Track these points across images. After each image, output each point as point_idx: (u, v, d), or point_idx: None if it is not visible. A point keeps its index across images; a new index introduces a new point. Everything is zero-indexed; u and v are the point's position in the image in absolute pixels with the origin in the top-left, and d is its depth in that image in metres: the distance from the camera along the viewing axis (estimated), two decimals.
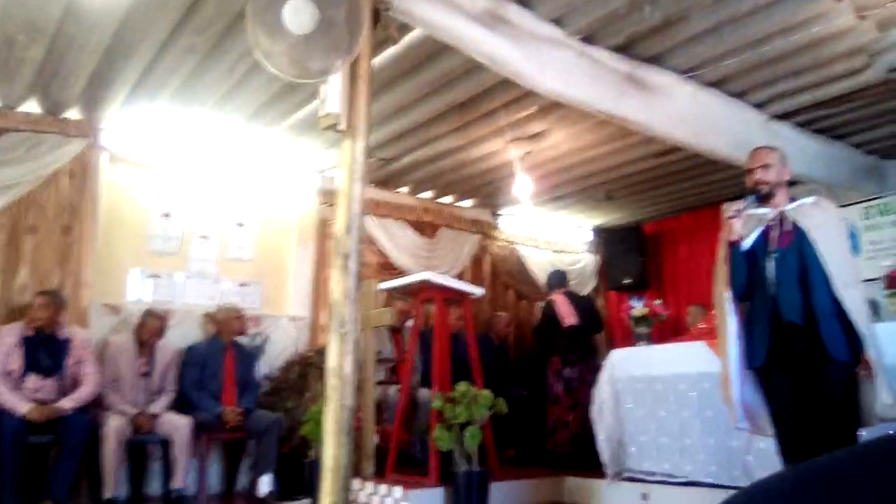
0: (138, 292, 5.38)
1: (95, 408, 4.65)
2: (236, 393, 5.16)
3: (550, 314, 6.61)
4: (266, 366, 5.70)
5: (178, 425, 4.73)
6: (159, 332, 5.02)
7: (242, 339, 5.49)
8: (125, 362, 4.85)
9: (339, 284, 2.83)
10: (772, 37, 4.01)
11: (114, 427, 4.45)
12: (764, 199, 3.15)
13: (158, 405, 4.85)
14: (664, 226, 8.31)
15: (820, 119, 5.26)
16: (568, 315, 6.44)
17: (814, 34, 3.98)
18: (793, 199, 3.17)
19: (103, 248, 5.15)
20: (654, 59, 4.29)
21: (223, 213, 5.87)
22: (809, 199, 3.17)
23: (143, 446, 4.91)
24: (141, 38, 3.86)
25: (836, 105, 4.96)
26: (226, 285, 5.81)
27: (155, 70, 4.27)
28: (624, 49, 4.16)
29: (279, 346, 5.89)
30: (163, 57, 4.11)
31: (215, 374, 5.15)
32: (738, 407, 3.10)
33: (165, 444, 4.74)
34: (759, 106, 4.96)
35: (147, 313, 5.02)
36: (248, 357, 5.43)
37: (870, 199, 6.47)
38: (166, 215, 5.59)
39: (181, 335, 5.40)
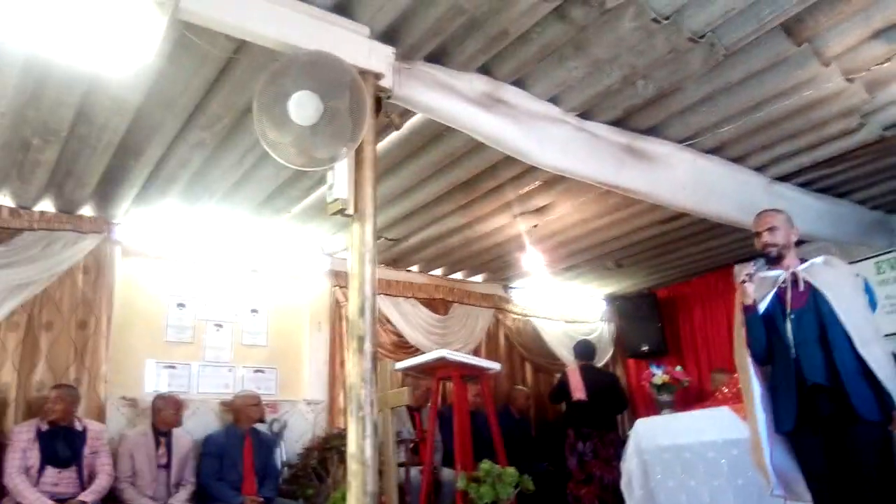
0: (155, 383, 5.39)
1: (112, 503, 4.60)
2: (256, 481, 5.08)
3: (563, 385, 6.60)
4: (285, 452, 5.63)
5: None
6: (177, 417, 5.00)
7: (260, 426, 5.45)
8: (143, 454, 4.81)
9: (355, 367, 2.84)
10: (765, 102, 4.11)
11: None
12: (774, 261, 3.18)
13: (178, 498, 4.79)
14: (677, 291, 8.29)
15: (821, 178, 5.32)
16: (577, 389, 6.41)
17: (806, 98, 4.07)
18: (803, 260, 3.20)
19: (119, 340, 5.19)
20: (652, 130, 4.40)
21: (236, 300, 5.93)
22: (820, 259, 3.20)
23: None
24: (150, 136, 4.00)
25: (836, 164, 5.02)
26: (241, 372, 5.81)
27: (165, 165, 4.40)
28: (621, 122, 4.27)
29: (297, 431, 5.84)
30: (172, 153, 4.24)
31: (234, 463, 5.09)
32: (771, 473, 3.04)
33: None
34: (759, 169, 5.04)
35: (158, 398, 5.01)
36: (267, 444, 5.38)
37: (880, 254, 6.45)
38: (180, 305, 5.66)
39: (199, 425, 5.37)
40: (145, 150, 4.17)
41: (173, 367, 5.53)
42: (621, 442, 6.26)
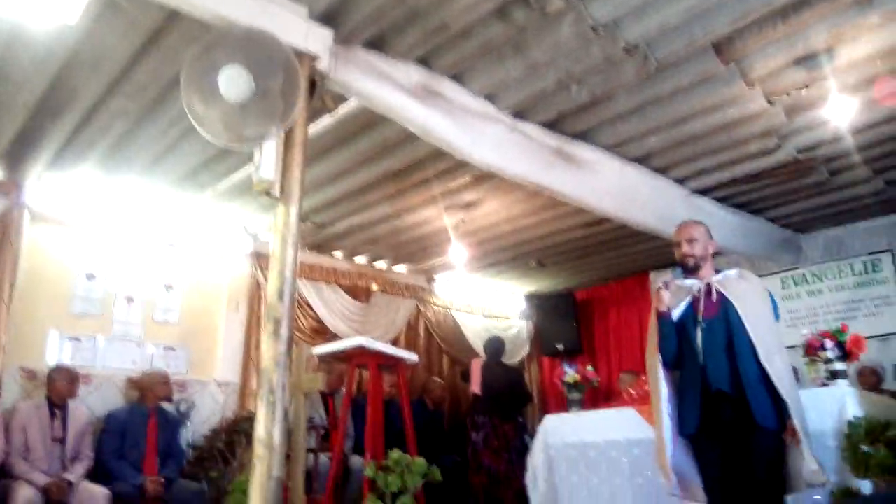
0: (57, 356, 5.15)
1: (4, 478, 4.38)
2: (158, 462, 4.94)
3: (466, 377, 6.84)
4: (191, 433, 5.49)
5: (94, 495, 4.46)
6: (71, 388, 4.79)
7: (167, 406, 5.29)
8: (36, 427, 4.58)
9: (269, 350, 2.79)
10: (691, 117, 4.26)
11: (23, 497, 4.17)
12: (691, 271, 3.29)
13: (74, 473, 4.58)
14: (595, 293, 8.52)
15: (737, 194, 5.55)
16: (475, 383, 6.62)
17: (729, 116, 4.24)
18: (718, 271, 3.32)
19: (21, 309, 4.92)
20: (582, 135, 4.48)
21: (150, 275, 5.72)
22: (734, 272, 3.32)
23: None
24: (70, 99, 3.81)
25: (752, 182, 5.26)
26: (151, 349, 5.63)
27: (84, 131, 4.20)
28: (553, 125, 4.34)
29: (205, 412, 5.70)
30: (93, 119, 4.05)
31: (136, 441, 4.93)
32: (671, 474, 3.15)
33: None
34: (680, 181, 5.21)
35: (54, 370, 4.80)
36: (172, 424, 5.23)
37: (787, 270, 6.81)
38: (90, 276, 5.42)
39: (102, 401, 5.18)
40: (64, 114, 3.97)
41: (78, 340, 5.29)
42: (517, 434, 6.45)
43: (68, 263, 5.35)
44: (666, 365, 3.27)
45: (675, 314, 3.26)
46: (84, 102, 3.85)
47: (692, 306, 3.24)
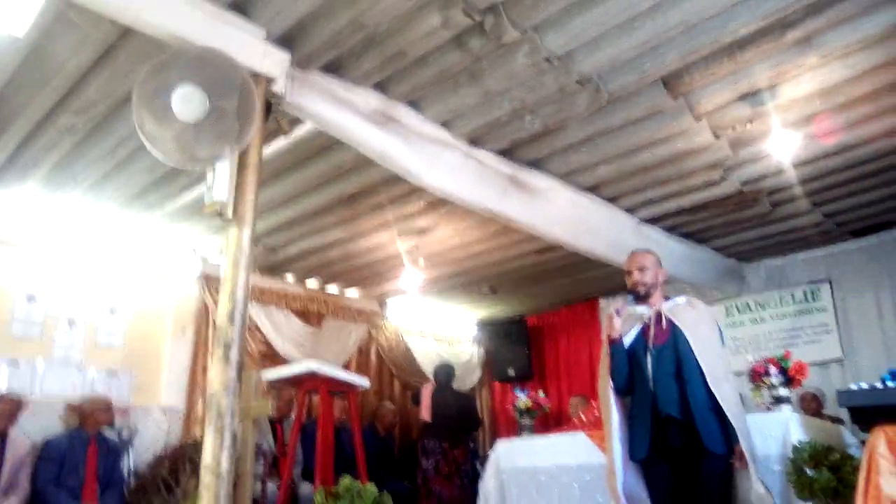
0: None
1: None
2: (98, 490, 4.77)
3: (416, 400, 6.84)
4: (133, 460, 5.30)
5: None
6: (11, 418, 4.59)
7: (108, 432, 5.11)
8: None
9: (218, 375, 2.73)
10: (640, 149, 4.37)
11: None
12: (642, 298, 3.35)
13: None
14: (545, 320, 8.58)
15: (684, 224, 5.69)
16: (424, 409, 6.64)
17: (677, 148, 4.37)
18: (667, 299, 3.40)
19: None
20: (535, 164, 4.55)
21: (94, 297, 5.55)
22: (682, 299, 3.41)
23: None
24: (15, 115, 3.71)
25: (698, 212, 5.41)
26: (92, 374, 5.44)
27: (29, 148, 4.09)
28: (507, 153, 4.40)
29: (149, 438, 5.52)
30: (39, 135, 3.95)
31: (75, 469, 4.76)
32: (622, 498, 3.18)
33: None
34: (630, 210, 5.33)
35: None
36: (113, 451, 5.05)
37: (731, 298, 6.99)
38: (30, 298, 5.23)
39: (39, 427, 4.96)
40: (7, 129, 3.86)
41: (16, 364, 5.09)
42: (468, 460, 6.45)
43: (7, 285, 5.15)
44: (617, 391, 3.32)
45: (626, 341, 3.32)
46: (30, 118, 3.75)
47: (642, 333, 3.30)
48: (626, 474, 3.22)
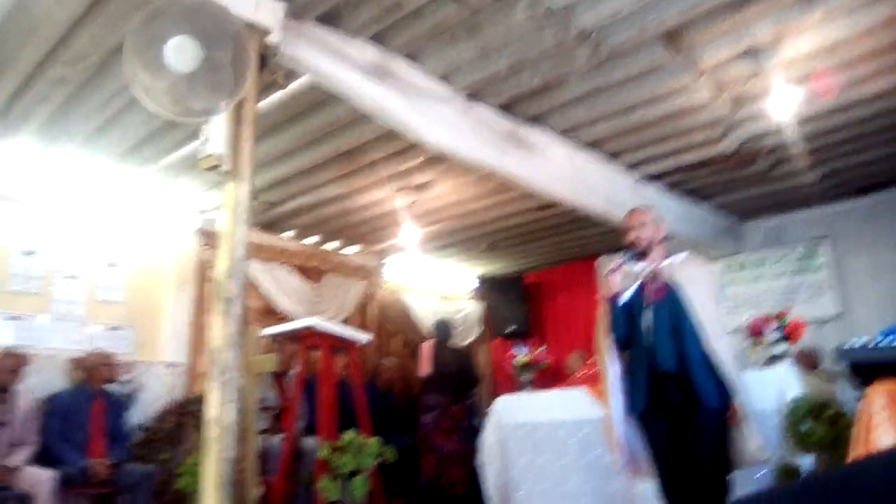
0: None
1: None
2: (105, 444, 4.84)
3: (419, 358, 6.84)
4: (138, 415, 5.38)
5: (40, 479, 4.35)
6: (16, 373, 4.64)
7: (112, 387, 5.18)
8: None
9: (220, 330, 2.75)
10: (640, 105, 4.33)
11: None
12: (641, 255, 3.35)
13: (18, 458, 4.47)
14: (544, 277, 8.62)
15: (684, 182, 5.67)
16: (425, 365, 6.66)
17: (677, 105, 4.33)
18: (667, 256, 3.40)
19: None
20: (534, 120, 4.52)
21: (93, 252, 5.56)
22: (681, 257, 3.39)
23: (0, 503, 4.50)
24: (5, 66, 3.66)
25: (697, 170, 5.38)
26: (94, 329, 5.48)
27: (20, 100, 4.04)
28: (506, 108, 4.36)
29: (153, 393, 5.59)
30: (29, 87, 3.89)
31: (82, 424, 4.82)
32: (621, 451, 3.23)
33: (26, 500, 4.34)
34: (629, 167, 5.31)
35: (2, 353, 4.65)
36: (119, 406, 5.12)
37: (729, 256, 7.00)
38: (28, 253, 5.25)
39: (44, 382, 5.02)
40: None
41: (18, 319, 5.13)
42: (467, 416, 6.54)
43: (5, 239, 5.16)
44: (616, 346, 3.34)
45: (625, 297, 3.33)
46: (20, 69, 3.69)
47: (640, 289, 3.31)
48: (624, 427, 3.26)
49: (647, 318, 3.22)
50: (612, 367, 3.31)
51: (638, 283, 3.33)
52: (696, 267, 3.36)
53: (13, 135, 4.48)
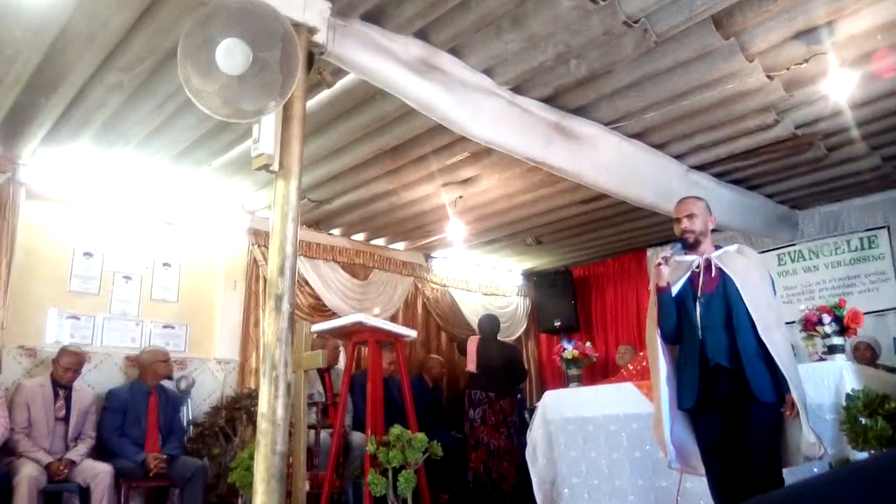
0: (56, 334, 5.16)
1: (8, 455, 4.41)
2: (160, 439, 4.98)
3: (462, 352, 6.89)
4: (192, 411, 5.52)
5: (97, 472, 4.51)
6: (76, 369, 4.79)
7: (167, 383, 5.31)
8: (40, 406, 4.62)
9: (271, 326, 2.79)
10: (690, 92, 4.23)
11: (26, 475, 4.21)
12: (691, 246, 3.28)
13: (76, 452, 4.63)
14: (592, 270, 8.54)
15: (735, 170, 5.54)
16: (470, 361, 6.69)
17: (728, 91, 4.22)
18: (718, 247, 3.33)
19: (19, 287, 4.93)
20: (581, 111, 4.46)
21: (147, 253, 5.72)
22: (733, 248, 3.33)
23: (59, 496, 4.66)
24: (64, 73, 3.77)
25: (749, 158, 5.24)
26: (149, 327, 5.63)
27: (79, 106, 4.16)
28: (551, 100, 4.32)
29: (206, 389, 5.73)
30: (87, 93, 4.01)
31: (138, 419, 4.96)
32: (670, 447, 3.18)
33: (84, 492, 4.50)
34: (678, 157, 5.20)
35: (62, 351, 4.80)
36: (173, 402, 5.26)
37: (783, 247, 6.83)
38: (87, 254, 5.42)
39: (101, 379, 5.20)
40: (58, 88, 3.93)
41: (77, 318, 5.30)
42: (515, 410, 6.51)
43: (65, 241, 5.34)
44: (665, 340, 3.29)
45: (675, 289, 3.27)
46: (79, 76, 3.81)
47: (691, 282, 3.25)
48: (673, 423, 3.21)
49: (697, 311, 3.16)
50: (661, 362, 3.25)
51: (688, 274, 3.27)
52: (748, 257, 3.29)
53: (72, 140, 4.63)
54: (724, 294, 3.14)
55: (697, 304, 3.17)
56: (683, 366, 3.21)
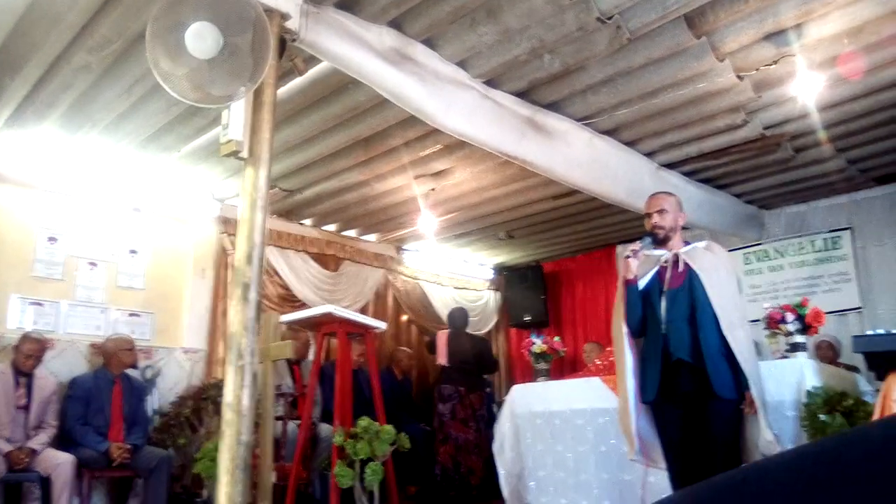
0: (19, 320, 5.05)
1: None
2: (124, 428, 4.91)
3: (433, 345, 6.85)
4: (157, 400, 5.45)
5: (59, 462, 4.43)
6: (37, 357, 4.70)
7: (132, 372, 5.24)
8: (0, 394, 4.53)
9: (238, 315, 2.76)
10: (661, 90, 4.28)
11: None
12: (661, 242, 3.30)
13: (37, 441, 4.54)
14: (562, 266, 8.60)
15: (704, 169, 5.61)
16: (441, 354, 6.68)
17: (699, 90, 4.27)
18: (687, 243, 3.36)
19: None
20: (554, 105, 4.48)
21: (114, 239, 5.62)
22: (702, 244, 3.36)
23: (19, 485, 4.57)
24: (30, 54, 3.68)
25: (718, 157, 5.32)
26: (115, 315, 5.54)
27: (45, 87, 4.07)
28: (525, 94, 4.33)
29: (171, 379, 5.66)
30: (53, 74, 3.93)
31: (101, 408, 4.88)
32: (635, 439, 3.20)
33: (45, 482, 4.42)
34: (649, 154, 5.26)
35: (24, 337, 4.71)
36: (138, 390, 5.18)
37: (749, 246, 6.94)
38: (51, 239, 5.31)
39: (65, 366, 5.10)
40: (23, 69, 3.84)
41: (40, 305, 5.19)
42: (484, 404, 6.54)
43: (29, 226, 5.22)
44: (631, 332, 3.30)
45: (642, 283, 3.29)
46: (45, 57, 3.72)
47: (658, 276, 3.27)
48: (638, 416, 3.24)
49: (662, 305, 3.18)
50: (626, 355, 3.27)
51: (656, 269, 3.29)
52: (716, 254, 3.31)
53: (37, 122, 4.52)
54: (689, 289, 3.16)
55: (663, 298, 3.19)
56: (647, 359, 3.23)
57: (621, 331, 3.28)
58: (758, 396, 3.01)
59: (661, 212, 3.31)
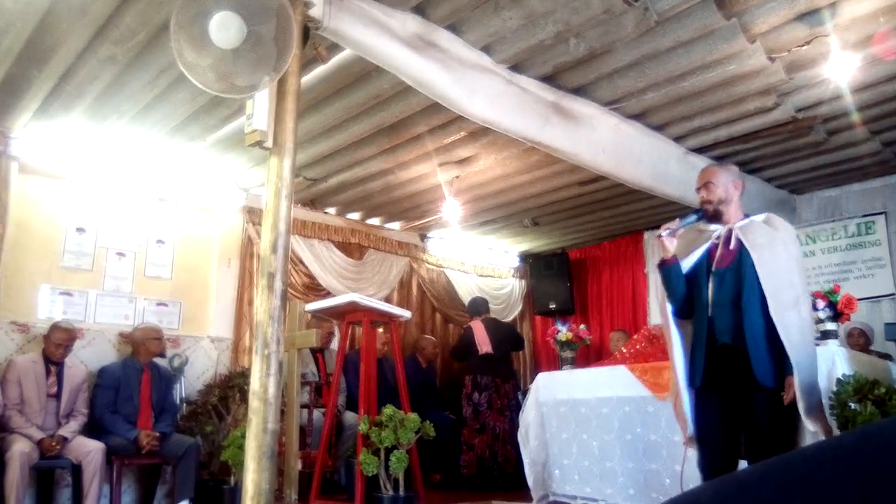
0: (49, 310, 5.13)
1: (0, 431, 4.40)
2: (152, 416, 4.98)
3: (469, 340, 6.78)
4: (185, 388, 5.51)
5: (89, 450, 4.50)
6: (67, 346, 4.77)
7: (160, 361, 5.30)
8: (31, 382, 4.60)
9: (263, 304, 2.77)
10: (690, 73, 4.18)
11: (18, 451, 4.20)
12: (712, 217, 3.10)
13: (68, 429, 4.62)
14: (588, 253, 8.52)
15: (734, 154, 5.50)
16: (483, 343, 6.66)
17: (729, 72, 4.17)
18: (747, 216, 3.11)
19: (11, 263, 4.89)
20: (579, 90, 4.41)
21: (141, 229, 5.68)
22: (760, 217, 3.10)
23: (51, 472, 4.66)
24: (57, 46, 3.71)
25: (749, 141, 5.21)
26: (142, 304, 5.61)
27: (72, 79, 4.10)
28: (550, 79, 4.27)
29: (199, 367, 5.72)
30: (80, 66, 3.95)
31: (130, 396, 4.95)
32: (690, 421, 3.04)
33: (76, 469, 4.50)
34: (677, 139, 5.16)
35: (54, 327, 4.78)
36: (166, 379, 5.24)
37: None
38: (80, 230, 5.37)
39: (94, 356, 5.18)
40: (50, 61, 3.87)
41: (69, 295, 5.27)
42: (516, 394, 6.53)
43: (58, 216, 5.29)
44: (676, 314, 3.14)
45: (690, 262, 3.09)
46: (71, 49, 3.75)
47: (708, 254, 3.06)
48: (691, 401, 3.05)
49: (710, 287, 2.98)
50: (674, 337, 3.12)
51: (707, 246, 3.08)
52: (775, 228, 3.03)
53: (65, 113, 4.57)
54: (738, 269, 2.94)
55: (711, 278, 2.99)
56: (694, 344, 3.05)
57: (668, 313, 3.14)
58: (800, 384, 2.77)
59: (707, 185, 3.09)
